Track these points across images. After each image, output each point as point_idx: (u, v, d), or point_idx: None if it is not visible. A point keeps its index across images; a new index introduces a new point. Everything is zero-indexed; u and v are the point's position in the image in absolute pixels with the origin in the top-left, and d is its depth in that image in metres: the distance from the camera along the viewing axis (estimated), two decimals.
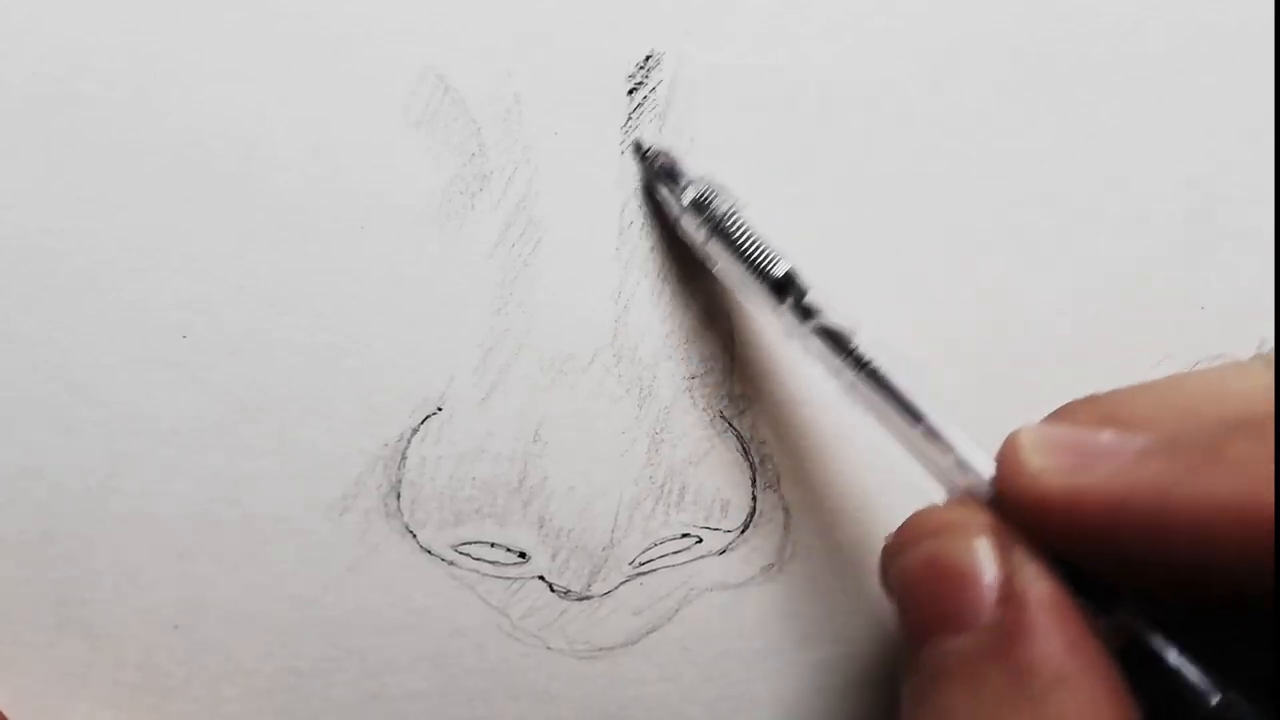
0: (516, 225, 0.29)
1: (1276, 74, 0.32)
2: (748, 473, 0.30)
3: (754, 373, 0.30)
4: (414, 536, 0.29)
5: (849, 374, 0.26)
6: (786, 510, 0.30)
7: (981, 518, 0.22)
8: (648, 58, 0.30)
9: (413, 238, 0.29)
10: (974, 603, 0.21)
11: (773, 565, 0.30)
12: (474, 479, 0.29)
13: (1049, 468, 0.22)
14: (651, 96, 0.30)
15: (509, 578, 0.29)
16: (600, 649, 0.30)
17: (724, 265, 0.28)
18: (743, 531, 0.30)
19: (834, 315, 0.27)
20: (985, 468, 0.24)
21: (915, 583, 0.23)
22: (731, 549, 0.30)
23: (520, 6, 0.29)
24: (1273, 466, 0.18)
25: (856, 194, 0.31)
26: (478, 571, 0.29)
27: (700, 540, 0.30)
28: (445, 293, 0.29)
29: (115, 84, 0.28)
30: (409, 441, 0.29)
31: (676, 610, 0.30)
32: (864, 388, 0.26)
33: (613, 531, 0.29)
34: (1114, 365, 0.31)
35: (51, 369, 0.28)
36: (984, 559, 0.21)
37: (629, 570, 0.30)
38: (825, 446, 0.30)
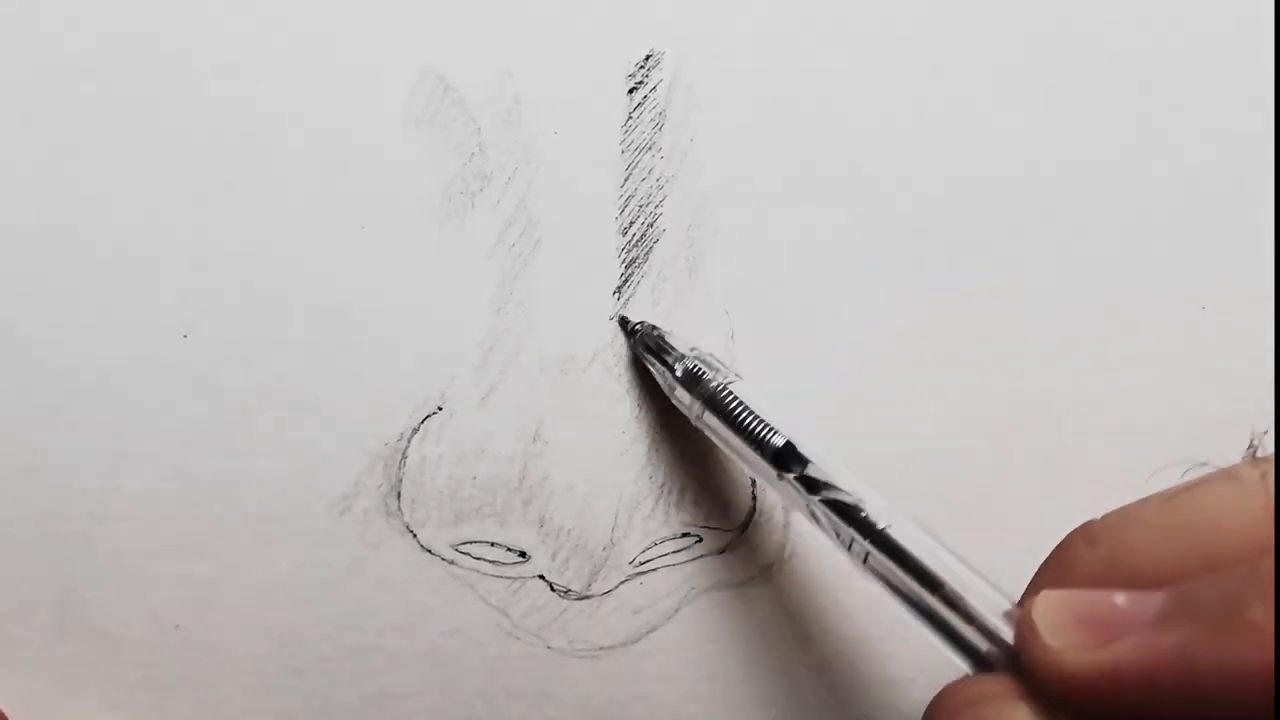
0: (516, 225, 0.29)
1: (1276, 74, 0.32)
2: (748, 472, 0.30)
3: (754, 372, 0.30)
4: (414, 536, 0.29)
5: (860, 545, 0.25)
6: (786, 510, 0.30)
7: (1018, 686, 0.22)
8: (648, 58, 0.30)
9: (413, 238, 0.29)
10: None
11: (773, 565, 0.30)
12: (474, 478, 0.29)
13: (1070, 646, 0.21)
14: (651, 96, 0.30)
15: (509, 577, 0.29)
16: (600, 648, 0.30)
17: (720, 437, 0.28)
18: (742, 531, 0.30)
19: (841, 483, 0.25)
20: (1006, 633, 0.23)
21: None
22: (731, 548, 0.30)
23: (520, 6, 0.29)
24: None
25: (856, 193, 0.31)
26: (478, 571, 0.29)
27: (700, 540, 0.30)
28: (445, 293, 0.29)
29: (116, 84, 0.28)
30: (409, 441, 0.29)
31: (676, 610, 0.30)
32: (878, 557, 0.25)
33: (613, 531, 0.29)
34: (1114, 365, 0.31)
35: (52, 369, 0.28)
36: None
37: (629, 570, 0.30)
38: (825, 445, 0.30)
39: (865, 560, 0.25)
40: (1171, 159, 0.32)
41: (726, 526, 0.30)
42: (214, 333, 0.28)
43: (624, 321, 0.30)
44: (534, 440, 0.29)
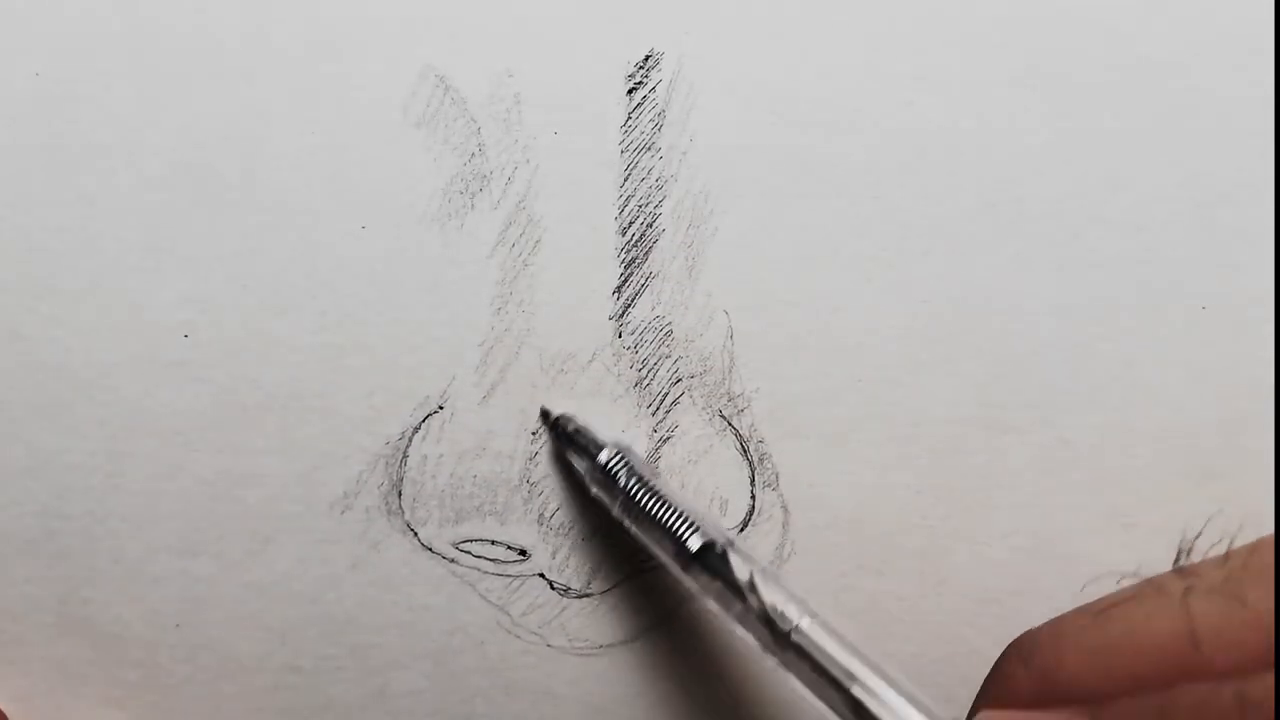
0: (516, 225, 0.29)
1: (1276, 74, 0.32)
2: (747, 471, 0.30)
3: (754, 372, 0.30)
4: (415, 534, 0.29)
5: (780, 654, 0.25)
6: (785, 509, 0.30)
7: None
8: (647, 58, 0.30)
9: (413, 238, 0.29)
10: None
11: (772, 563, 0.30)
12: (475, 477, 0.29)
13: None
14: (651, 96, 0.30)
15: (509, 575, 0.29)
16: (600, 646, 0.30)
17: (641, 532, 0.27)
18: (742, 530, 0.30)
19: (767, 593, 0.25)
20: None
21: None
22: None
23: (520, 6, 0.29)
24: None
25: (856, 193, 0.31)
26: (478, 569, 0.29)
27: None
28: (445, 292, 0.29)
29: (116, 84, 0.28)
30: (410, 440, 0.29)
31: (677, 608, 0.30)
32: (796, 663, 0.25)
33: (613, 529, 0.30)
34: (1114, 365, 0.31)
35: (53, 368, 0.28)
36: None
37: (629, 568, 0.30)
38: (825, 445, 0.30)
39: (780, 661, 0.25)
40: (1171, 158, 0.32)
41: (726, 525, 0.30)
42: (214, 333, 0.28)
43: (545, 414, 0.29)
44: (534, 439, 0.29)
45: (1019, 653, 0.24)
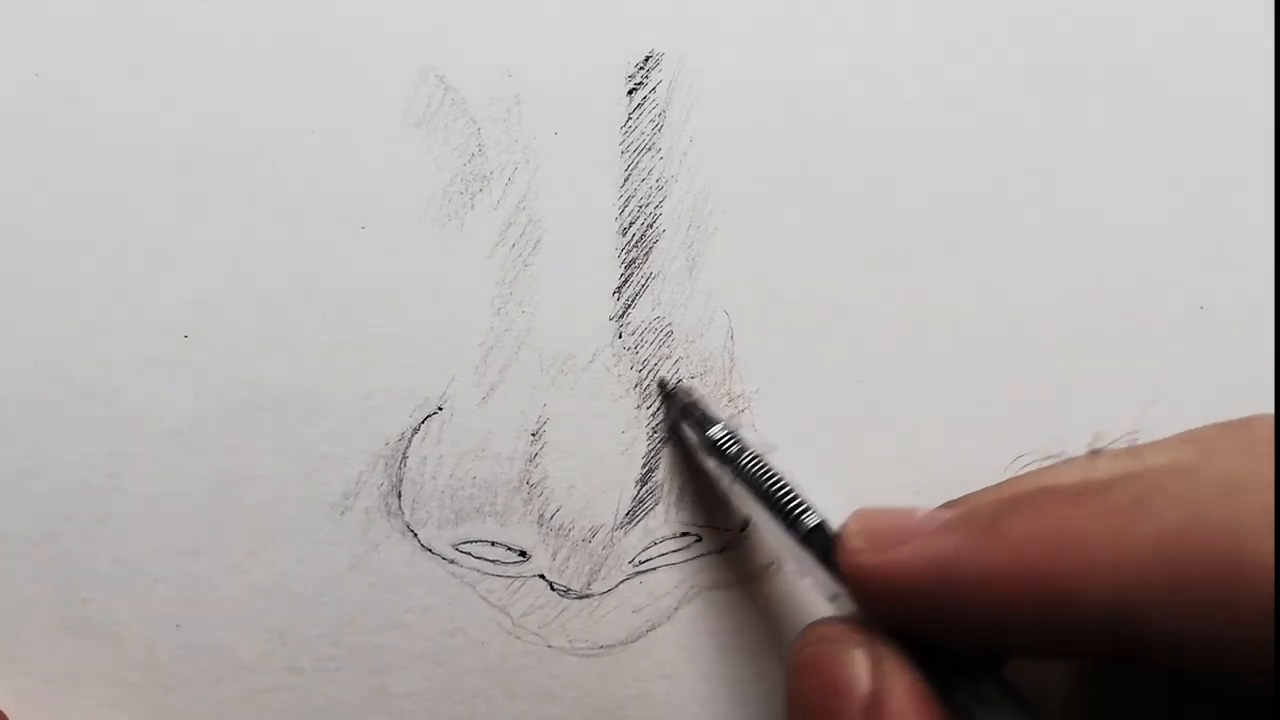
0: (516, 225, 0.29)
1: (1276, 74, 0.32)
2: None
3: (754, 372, 0.30)
4: (415, 535, 0.29)
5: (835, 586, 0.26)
6: None
7: (853, 632, 0.24)
8: (647, 58, 0.30)
9: (413, 238, 0.29)
10: (844, 712, 0.23)
11: (772, 564, 0.30)
12: (474, 478, 0.29)
13: (864, 547, 0.24)
14: (651, 96, 0.30)
15: (509, 576, 0.29)
16: (600, 647, 0.30)
17: (750, 509, 0.28)
18: (742, 530, 0.30)
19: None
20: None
21: (798, 693, 0.25)
22: (731, 548, 0.30)
23: (520, 7, 0.29)
24: (1043, 537, 0.21)
25: (856, 193, 0.31)
26: (478, 570, 0.29)
27: (700, 539, 0.30)
28: (445, 292, 0.29)
29: (116, 84, 0.28)
30: (410, 441, 0.29)
31: (676, 609, 0.30)
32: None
33: (612, 530, 0.30)
34: (1114, 365, 0.31)
35: (53, 369, 0.28)
36: (856, 671, 0.23)
37: (629, 569, 0.30)
38: (825, 445, 0.30)
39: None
40: (1171, 158, 0.32)
41: (726, 526, 0.30)
42: (214, 333, 0.28)
43: (662, 384, 0.30)
44: (534, 440, 0.29)
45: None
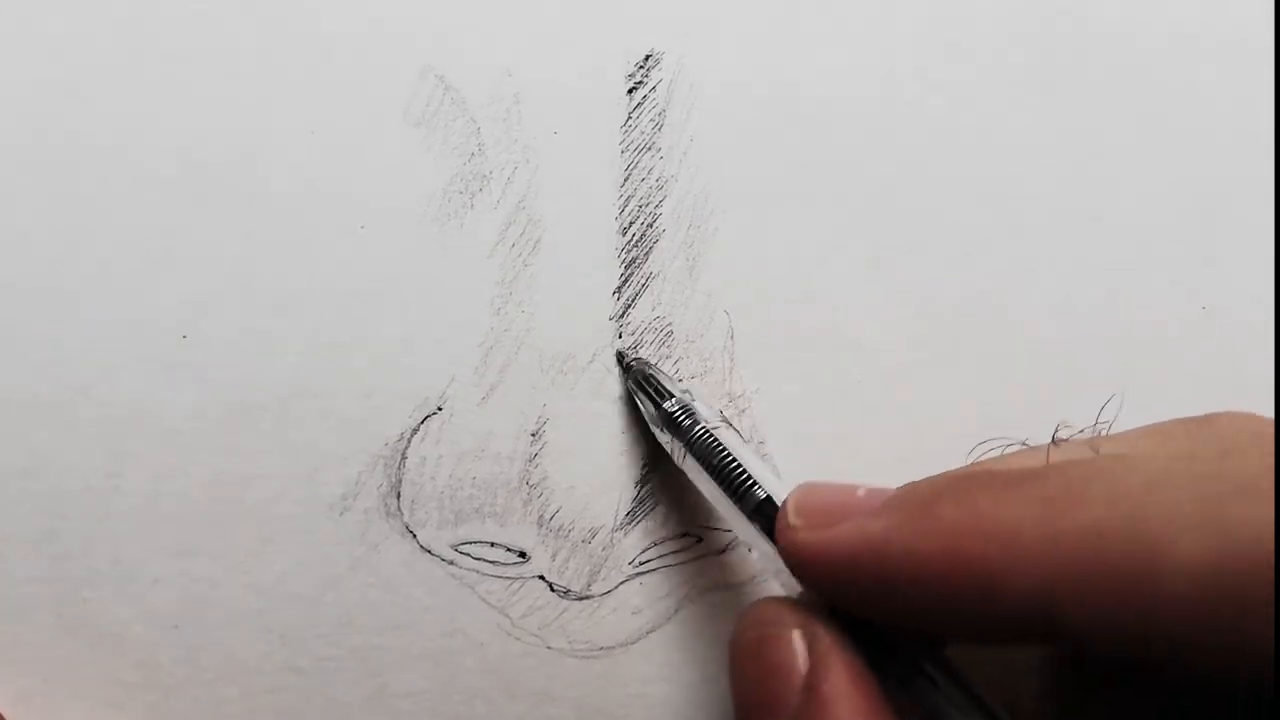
0: (516, 225, 0.29)
1: (1276, 74, 0.32)
2: None
3: (754, 372, 0.30)
4: (414, 536, 0.29)
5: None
6: None
7: (791, 613, 0.24)
8: (647, 58, 0.30)
9: (413, 238, 0.29)
10: (782, 693, 0.23)
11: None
12: (474, 478, 0.29)
13: (801, 524, 0.24)
14: (651, 96, 0.30)
15: (509, 577, 0.29)
16: (600, 648, 0.30)
17: (701, 483, 0.27)
18: None
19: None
20: None
21: (739, 676, 0.25)
22: (731, 548, 0.30)
23: (520, 7, 0.29)
24: (972, 523, 0.21)
25: (856, 193, 0.31)
26: (478, 571, 0.29)
27: (700, 540, 0.30)
28: (445, 292, 0.29)
29: (116, 84, 0.28)
30: (409, 441, 0.29)
31: (676, 610, 0.30)
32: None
33: (612, 531, 0.29)
34: (1114, 365, 0.31)
35: (52, 369, 0.28)
36: (794, 652, 0.24)
37: (629, 570, 0.30)
38: (825, 445, 0.30)
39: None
40: (1171, 158, 0.32)
41: (726, 527, 0.30)
42: (214, 333, 0.28)
43: (620, 356, 0.29)
44: (534, 440, 0.29)
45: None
